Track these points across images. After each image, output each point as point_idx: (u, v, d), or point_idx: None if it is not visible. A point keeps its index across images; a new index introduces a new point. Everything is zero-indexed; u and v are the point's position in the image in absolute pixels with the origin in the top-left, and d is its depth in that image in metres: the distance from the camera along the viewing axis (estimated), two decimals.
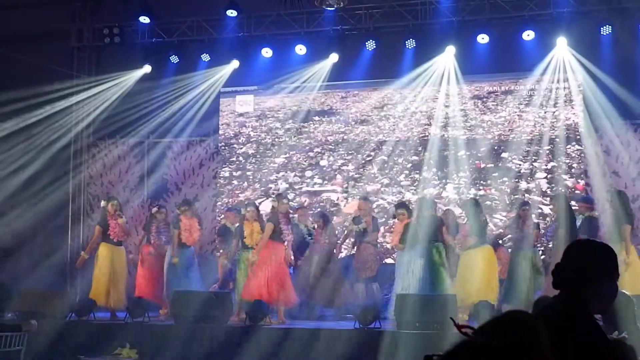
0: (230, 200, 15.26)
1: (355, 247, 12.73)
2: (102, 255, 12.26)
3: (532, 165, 13.82)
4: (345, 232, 13.17)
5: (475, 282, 11.18)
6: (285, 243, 11.86)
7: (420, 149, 14.45)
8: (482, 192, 13.93)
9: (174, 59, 15.30)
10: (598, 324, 2.94)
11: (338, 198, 14.74)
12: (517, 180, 13.83)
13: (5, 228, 14.52)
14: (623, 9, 13.23)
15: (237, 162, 15.48)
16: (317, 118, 15.27)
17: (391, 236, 12.68)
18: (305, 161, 15.12)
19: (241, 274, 11.90)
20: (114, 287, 12.19)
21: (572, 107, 13.83)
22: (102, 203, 12.51)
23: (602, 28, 13.13)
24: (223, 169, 15.49)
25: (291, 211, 12.86)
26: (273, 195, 14.09)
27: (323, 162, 15.01)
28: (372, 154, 14.72)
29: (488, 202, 13.66)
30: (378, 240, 13.20)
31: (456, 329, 2.40)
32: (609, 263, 3.03)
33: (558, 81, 13.84)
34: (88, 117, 15.63)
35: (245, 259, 11.79)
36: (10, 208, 14.68)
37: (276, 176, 15.19)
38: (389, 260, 13.69)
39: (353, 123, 15.05)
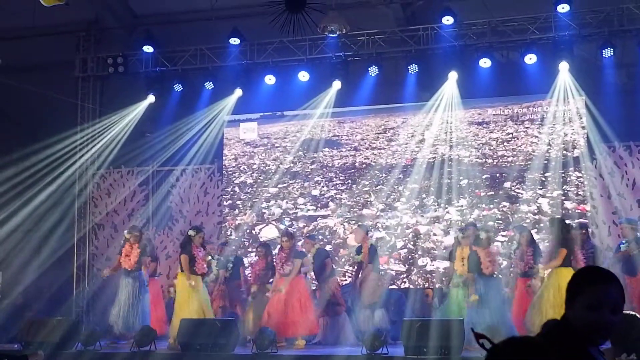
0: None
1: (359, 276, 12.71)
2: (184, 286, 12.04)
3: (536, 193, 13.79)
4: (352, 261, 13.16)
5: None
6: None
7: (420, 174, 14.39)
8: (484, 213, 13.93)
9: (178, 87, 15.36)
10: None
11: (335, 224, 14.67)
12: (518, 204, 13.84)
13: (10, 254, 14.56)
14: (625, 31, 13.30)
15: (232, 192, 15.49)
16: (321, 145, 15.29)
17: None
18: (302, 190, 15.11)
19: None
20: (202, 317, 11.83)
21: (576, 130, 13.83)
22: (191, 232, 12.29)
23: (604, 50, 13.17)
24: (219, 198, 15.51)
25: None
26: (273, 222, 14.26)
27: (317, 191, 15.00)
28: (376, 180, 14.72)
29: (490, 223, 13.69)
30: (382, 267, 13.16)
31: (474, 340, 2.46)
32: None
33: (561, 104, 13.86)
34: (93, 148, 15.67)
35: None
36: (15, 234, 14.72)
37: (267, 204, 15.19)
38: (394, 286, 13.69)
39: (360, 149, 15.07)
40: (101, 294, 14.06)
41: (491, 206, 13.92)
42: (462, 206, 14.06)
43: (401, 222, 14.24)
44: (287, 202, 15.10)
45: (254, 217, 15.13)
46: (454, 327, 10.44)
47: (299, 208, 14.99)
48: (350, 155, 15.08)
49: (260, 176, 15.41)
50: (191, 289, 11.81)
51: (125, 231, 13.27)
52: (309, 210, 14.91)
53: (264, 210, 15.16)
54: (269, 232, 14.96)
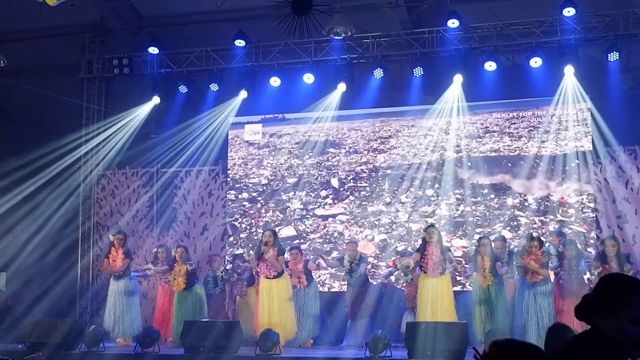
0: (246, 221, 15.27)
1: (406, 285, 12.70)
2: (261, 290, 12.11)
3: (541, 196, 13.77)
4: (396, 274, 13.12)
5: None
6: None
7: (424, 176, 14.38)
8: (468, 209, 13.92)
9: (183, 89, 15.37)
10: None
11: (345, 226, 14.63)
12: (504, 197, 13.88)
13: (14, 255, 14.57)
14: (630, 35, 13.29)
15: (245, 188, 15.48)
16: (326, 146, 15.27)
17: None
18: (309, 191, 15.12)
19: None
20: (277, 320, 11.78)
21: (580, 133, 13.80)
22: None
23: (609, 54, 13.15)
24: (230, 195, 15.49)
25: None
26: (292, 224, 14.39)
27: (324, 192, 15.01)
28: (379, 182, 14.71)
29: (470, 218, 13.82)
30: None
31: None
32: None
33: (566, 107, 13.83)
34: (98, 149, 15.68)
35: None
36: (19, 234, 14.74)
37: (288, 200, 15.17)
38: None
39: (363, 151, 15.05)
40: (105, 295, 14.05)
41: (478, 198, 13.94)
42: (452, 202, 14.10)
43: (404, 224, 14.22)
44: (303, 197, 15.07)
45: (278, 216, 15.07)
46: (458, 330, 10.45)
47: (311, 206, 14.97)
48: (354, 157, 15.05)
49: (269, 178, 15.37)
50: (264, 292, 12.04)
51: (110, 234, 13.26)
52: (326, 205, 14.87)
53: (286, 204, 15.10)
54: (287, 232, 14.92)
